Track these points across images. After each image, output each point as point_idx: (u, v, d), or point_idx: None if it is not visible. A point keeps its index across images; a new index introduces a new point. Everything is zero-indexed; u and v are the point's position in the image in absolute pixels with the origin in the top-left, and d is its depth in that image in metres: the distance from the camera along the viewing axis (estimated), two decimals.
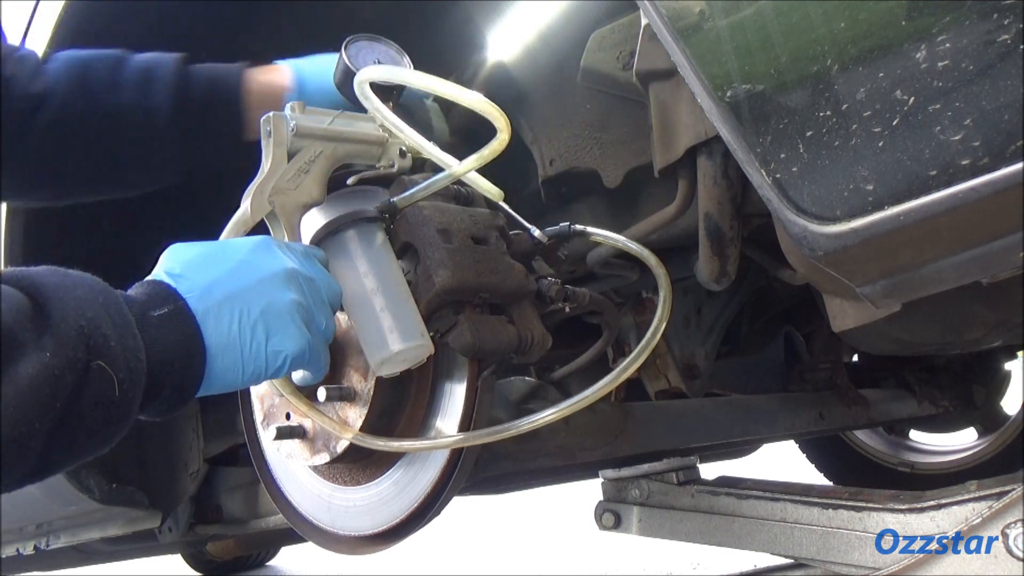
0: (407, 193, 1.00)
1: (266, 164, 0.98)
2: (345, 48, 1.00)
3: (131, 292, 0.77)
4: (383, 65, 0.97)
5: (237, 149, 1.16)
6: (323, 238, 0.98)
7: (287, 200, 0.98)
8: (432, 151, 0.98)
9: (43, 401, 0.62)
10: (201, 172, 1.20)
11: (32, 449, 0.63)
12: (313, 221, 1.02)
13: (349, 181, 1.04)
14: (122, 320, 0.71)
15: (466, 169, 0.95)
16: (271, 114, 0.99)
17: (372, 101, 0.97)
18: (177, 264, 0.81)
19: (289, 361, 0.83)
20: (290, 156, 0.99)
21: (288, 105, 1.01)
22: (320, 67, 1.13)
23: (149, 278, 0.81)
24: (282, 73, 1.15)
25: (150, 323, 0.74)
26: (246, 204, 0.96)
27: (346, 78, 1.02)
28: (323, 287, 0.90)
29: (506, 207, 1.11)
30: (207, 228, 1.02)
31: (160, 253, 0.84)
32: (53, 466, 0.67)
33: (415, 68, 1.05)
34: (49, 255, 0.73)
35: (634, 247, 1.10)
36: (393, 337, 0.93)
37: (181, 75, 1.14)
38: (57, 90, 1.10)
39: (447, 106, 1.49)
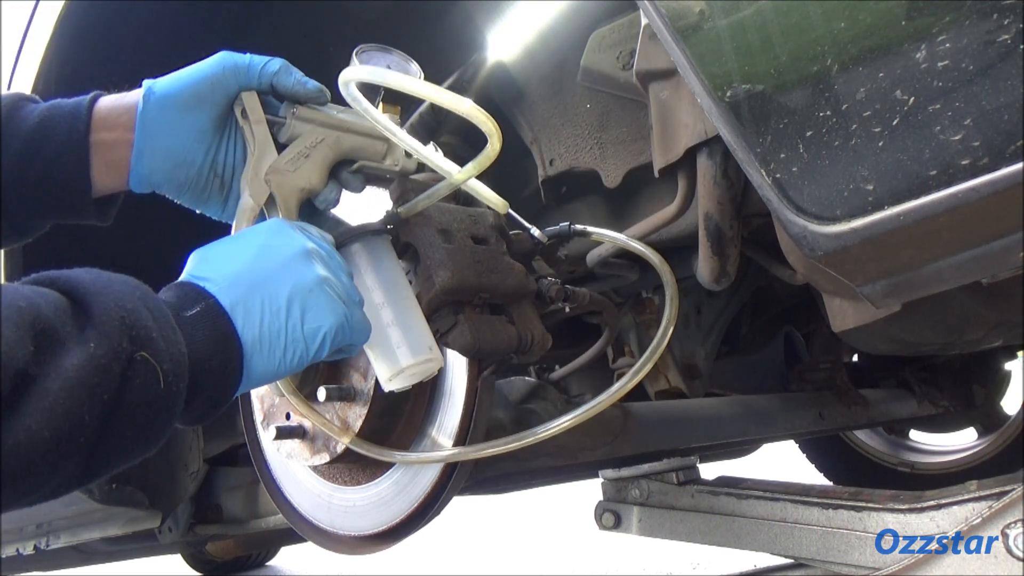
0: (410, 204, 1.00)
1: (251, 145, 0.96)
2: (356, 56, 0.99)
3: (161, 295, 0.76)
4: (368, 66, 0.95)
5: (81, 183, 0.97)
6: None
7: (284, 181, 0.96)
8: (430, 157, 0.97)
9: (92, 392, 0.61)
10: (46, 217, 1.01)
11: (81, 446, 0.62)
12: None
13: (349, 170, 1.03)
14: (161, 314, 0.70)
15: (465, 177, 0.94)
16: (241, 94, 0.96)
17: (360, 103, 0.93)
18: (200, 264, 0.81)
19: (330, 337, 0.81)
20: (289, 140, 0.97)
21: None
22: (175, 75, 0.99)
23: (176, 281, 0.80)
24: (135, 91, 1.00)
25: (184, 322, 0.73)
26: (246, 192, 0.95)
27: (362, 86, 1.00)
28: (344, 267, 0.89)
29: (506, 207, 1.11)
30: (221, 231, 1.01)
31: (165, 259, 0.84)
32: (101, 466, 0.66)
33: (419, 64, 1.03)
34: (50, 265, 0.72)
35: (637, 246, 1.10)
36: (402, 351, 0.92)
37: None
38: None
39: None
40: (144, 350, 0.66)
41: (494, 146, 0.87)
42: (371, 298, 0.94)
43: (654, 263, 1.07)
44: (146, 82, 0.98)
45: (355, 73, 0.92)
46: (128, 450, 0.67)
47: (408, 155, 1.04)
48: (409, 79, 0.89)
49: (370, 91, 0.98)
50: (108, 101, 0.98)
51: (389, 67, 1.02)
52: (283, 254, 0.82)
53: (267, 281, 0.79)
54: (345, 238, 0.97)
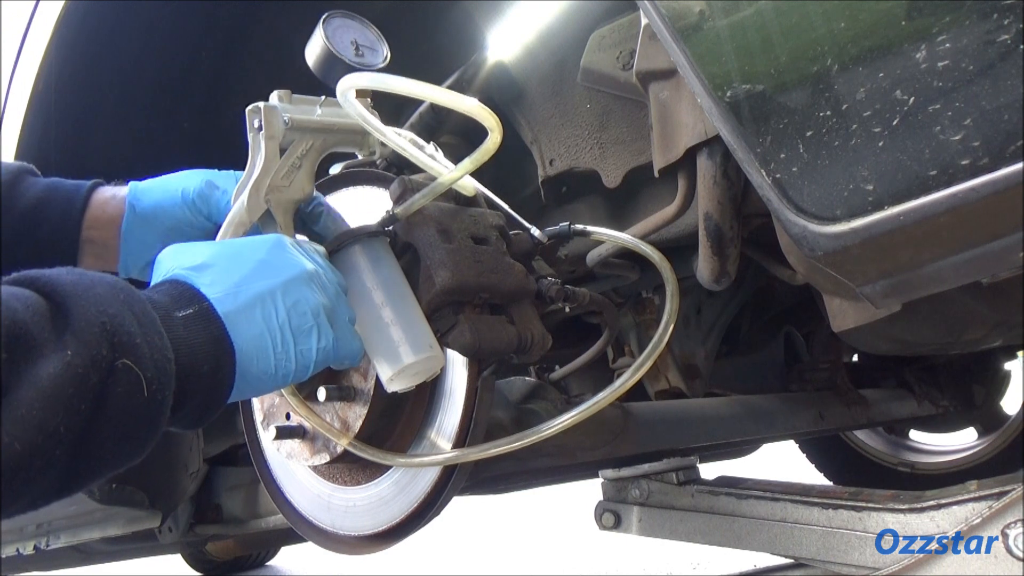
0: (406, 204, 1.00)
1: (258, 160, 0.94)
2: (323, 24, 0.98)
3: (150, 293, 0.74)
4: (367, 72, 0.94)
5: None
6: (328, 255, 0.97)
7: (281, 198, 0.95)
8: (423, 159, 0.97)
9: (67, 403, 0.59)
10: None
11: (58, 458, 0.59)
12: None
13: (334, 170, 1.03)
14: (146, 318, 0.68)
15: (461, 174, 0.94)
16: (261, 105, 0.95)
17: (356, 107, 0.94)
18: (191, 264, 0.79)
19: (314, 361, 0.82)
20: (281, 151, 0.96)
21: (275, 94, 0.98)
22: (156, 182, 1.05)
23: (168, 277, 0.78)
24: (121, 191, 1.07)
25: (175, 324, 0.71)
26: (242, 204, 0.94)
27: (324, 58, 0.97)
28: (336, 281, 0.90)
29: (506, 207, 1.11)
30: None
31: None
32: (83, 476, 0.64)
33: (419, 64, 1.03)
34: None
35: (636, 242, 1.09)
36: (404, 350, 0.92)
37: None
38: None
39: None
40: (126, 357, 0.63)
41: (493, 140, 0.87)
42: (371, 298, 0.94)
43: (653, 260, 1.07)
44: (130, 193, 1.04)
45: (354, 81, 0.92)
46: (111, 460, 0.65)
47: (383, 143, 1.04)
48: (409, 82, 0.88)
49: (333, 67, 0.97)
50: (101, 200, 1.04)
51: (355, 41, 1.00)
52: (285, 274, 0.82)
53: (267, 298, 0.79)
54: (344, 240, 0.96)
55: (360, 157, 1.07)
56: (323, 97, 0.99)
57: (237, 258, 0.81)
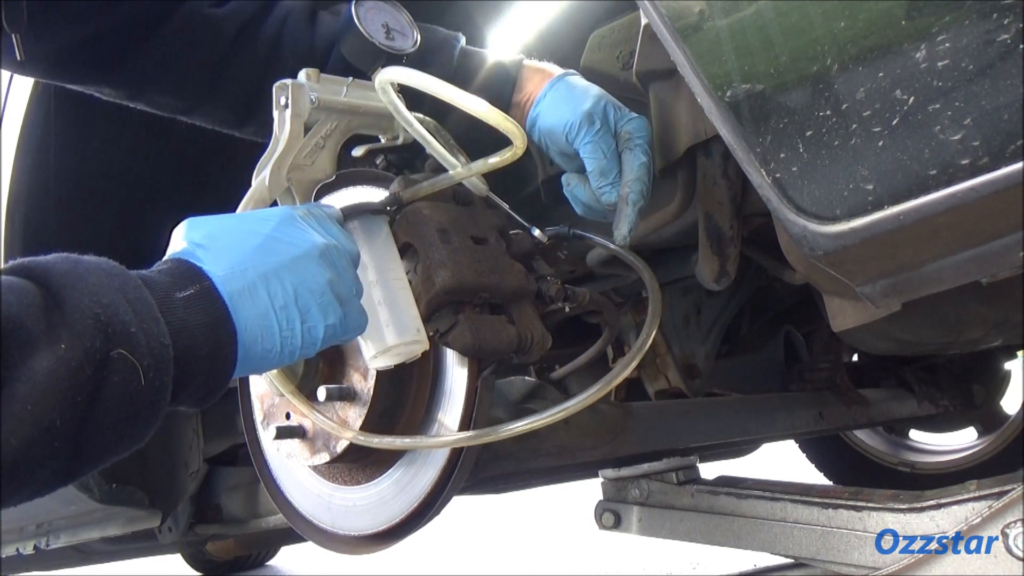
0: (413, 188, 1.00)
1: (283, 137, 0.93)
2: (354, 6, 0.97)
3: (153, 272, 0.73)
4: (406, 69, 0.94)
5: None
6: None
7: (303, 177, 0.94)
8: (441, 151, 0.97)
9: (62, 397, 0.59)
10: None
11: (58, 449, 0.60)
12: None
13: (356, 152, 1.02)
14: (142, 304, 0.67)
15: (473, 172, 0.95)
16: (288, 82, 0.94)
17: (389, 95, 0.94)
18: (199, 240, 0.78)
19: (322, 337, 0.81)
20: (306, 129, 0.95)
21: (303, 72, 0.96)
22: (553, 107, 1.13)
23: (171, 255, 0.77)
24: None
25: (174, 305, 0.70)
26: (263, 180, 0.93)
27: (354, 40, 0.97)
28: (347, 252, 0.87)
29: (506, 207, 1.11)
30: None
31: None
32: (85, 465, 0.64)
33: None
34: (49, 249, 0.71)
35: (628, 257, 1.09)
36: (389, 331, 0.93)
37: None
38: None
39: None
40: (122, 347, 0.63)
41: (514, 152, 0.88)
42: (364, 276, 0.94)
43: (644, 277, 1.07)
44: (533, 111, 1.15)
45: (393, 74, 0.92)
46: (113, 447, 0.65)
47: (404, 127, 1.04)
48: (453, 89, 0.89)
49: (364, 49, 0.96)
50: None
51: (386, 24, 1.00)
52: (292, 250, 0.80)
53: (272, 275, 0.78)
54: (343, 215, 0.96)
55: (383, 141, 1.06)
56: (350, 79, 0.99)
57: (244, 233, 0.80)
